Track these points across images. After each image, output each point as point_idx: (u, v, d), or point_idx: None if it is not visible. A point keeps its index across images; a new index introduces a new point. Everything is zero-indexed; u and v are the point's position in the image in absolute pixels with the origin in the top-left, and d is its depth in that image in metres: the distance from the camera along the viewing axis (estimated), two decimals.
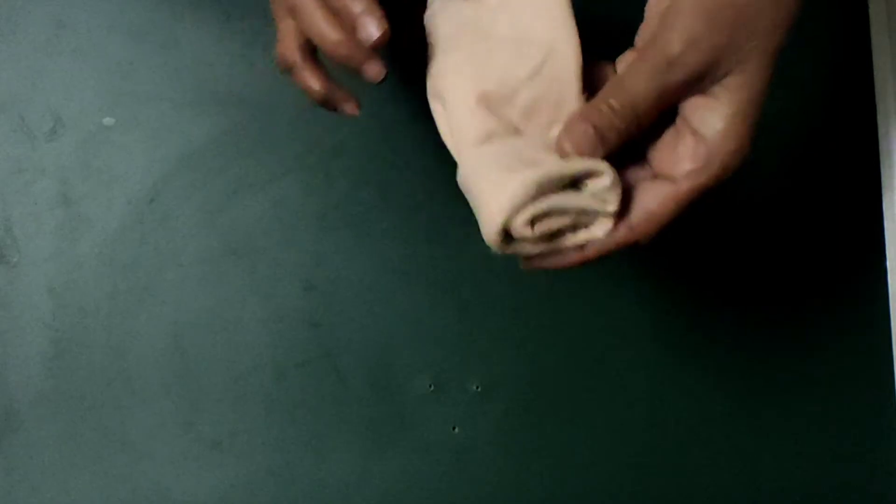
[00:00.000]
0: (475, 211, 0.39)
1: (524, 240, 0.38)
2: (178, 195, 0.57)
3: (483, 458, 0.57)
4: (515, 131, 0.40)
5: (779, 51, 0.38)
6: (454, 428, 0.57)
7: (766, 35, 0.38)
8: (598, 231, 0.39)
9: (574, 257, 0.40)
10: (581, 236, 0.39)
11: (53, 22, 0.57)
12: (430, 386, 0.57)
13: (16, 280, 0.55)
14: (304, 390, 0.57)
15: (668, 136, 0.40)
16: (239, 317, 0.56)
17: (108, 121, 0.57)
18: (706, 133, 0.38)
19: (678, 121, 0.40)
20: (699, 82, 0.38)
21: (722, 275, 0.60)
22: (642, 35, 0.41)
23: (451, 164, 0.56)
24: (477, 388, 0.58)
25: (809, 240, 0.61)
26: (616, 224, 0.39)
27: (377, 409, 0.57)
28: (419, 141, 0.58)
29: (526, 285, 0.58)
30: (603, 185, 0.38)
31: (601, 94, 0.39)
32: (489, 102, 0.40)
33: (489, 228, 0.37)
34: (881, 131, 0.62)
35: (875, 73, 0.63)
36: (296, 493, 0.56)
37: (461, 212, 0.57)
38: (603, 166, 0.38)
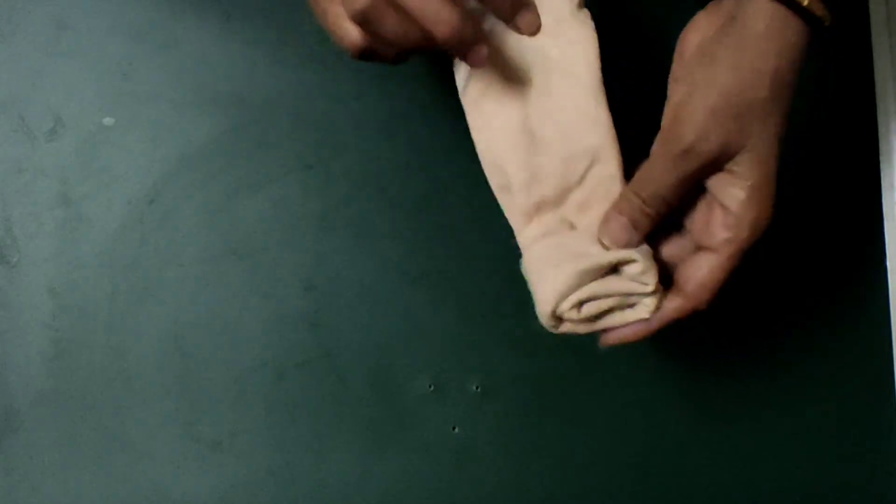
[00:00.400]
0: (533, 297, 0.45)
1: (572, 321, 0.45)
2: (178, 195, 0.57)
3: (483, 458, 0.57)
4: (570, 226, 0.46)
5: (783, 134, 0.42)
6: (454, 428, 0.57)
7: (769, 123, 0.42)
8: (643, 312, 0.45)
9: (640, 330, 0.46)
10: (628, 316, 0.45)
11: (53, 22, 0.57)
12: (430, 386, 0.57)
13: (16, 280, 0.55)
14: (304, 390, 0.57)
15: (701, 208, 0.45)
16: (239, 317, 0.56)
17: (108, 121, 0.57)
18: (731, 205, 0.43)
19: (707, 195, 0.44)
20: (715, 164, 0.42)
21: None
22: (664, 120, 0.44)
23: (451, 165, 0.56)
24: (477, 388, 0.58)
25: (809, 240, 0.61)
26: (674, 295, 0.45)
27: (377, 409, 0.57)
28: (420, 141, 0.58)
29: (526, 285, 0.58)
30: (637, 270, 0.44)
31: (630, 186, 0.44)
32: (545, 206, 0.46)
33: (542, 314, 0.45)
34: (881, 131, 0.62)
35: (875, 73, 0.63)
36: (296, 493, 0.56)
37: (461, 212, 0.58)
38: (633, 254, 0.44)
